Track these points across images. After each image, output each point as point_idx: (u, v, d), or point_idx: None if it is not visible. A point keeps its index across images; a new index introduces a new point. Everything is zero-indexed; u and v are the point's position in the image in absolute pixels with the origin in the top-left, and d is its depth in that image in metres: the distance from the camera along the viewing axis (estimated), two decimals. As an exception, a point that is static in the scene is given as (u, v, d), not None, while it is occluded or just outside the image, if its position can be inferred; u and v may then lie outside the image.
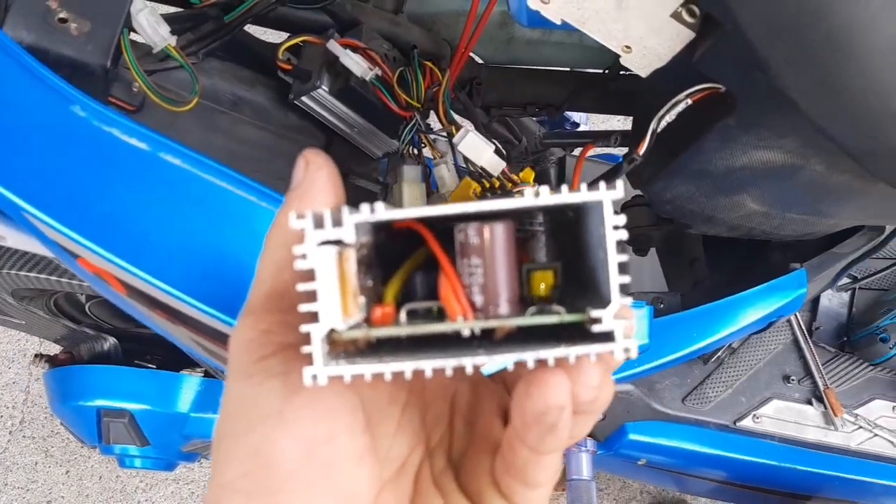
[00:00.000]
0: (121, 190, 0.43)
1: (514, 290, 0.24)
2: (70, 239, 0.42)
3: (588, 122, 1.07)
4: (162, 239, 0.42)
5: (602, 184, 0.21)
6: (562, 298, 0.24)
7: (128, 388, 0.91)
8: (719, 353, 0.88)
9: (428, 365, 0.22)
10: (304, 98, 0.69)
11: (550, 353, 0.21)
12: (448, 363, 0.22)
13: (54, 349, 1.10)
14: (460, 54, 0.73)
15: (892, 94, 0.34)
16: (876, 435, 0.92)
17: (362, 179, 0.77)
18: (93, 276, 0.45)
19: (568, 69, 0.85)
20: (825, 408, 0.91)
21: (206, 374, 0.96)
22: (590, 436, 0.87)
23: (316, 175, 0.25)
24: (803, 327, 0.93)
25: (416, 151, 0.69)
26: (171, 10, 0.64)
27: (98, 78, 0.47)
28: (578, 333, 0.22)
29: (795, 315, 0.93)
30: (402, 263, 0.25)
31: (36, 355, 1.02)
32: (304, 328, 0.21)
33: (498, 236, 0.23)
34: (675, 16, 0.46)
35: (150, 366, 0.98)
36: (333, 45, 0.64)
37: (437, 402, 0.28)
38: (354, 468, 0.24)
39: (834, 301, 0.97)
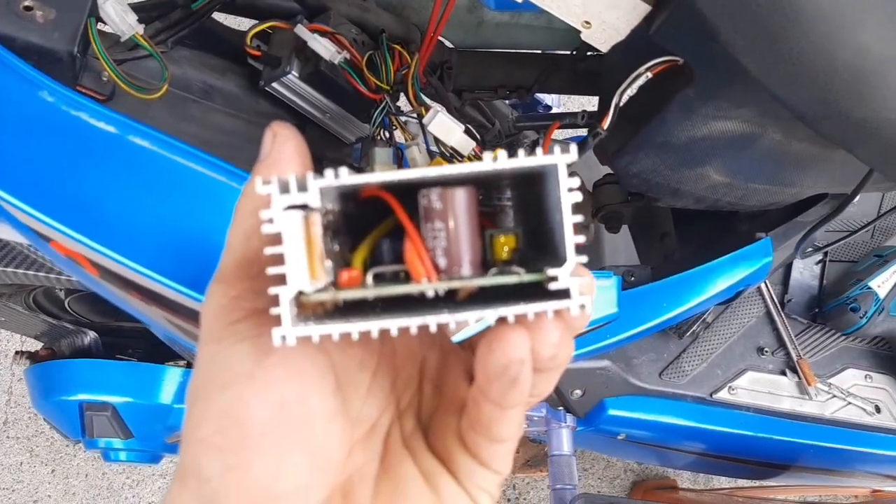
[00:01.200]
0: (91, 173, 0.43)
1: (476, 252, 0.24)
2: (41, 222, 0.42)
3: (560, 104, 1.08)
4: (133, 220, 0.43)
5: (557, 147, 0.22)
6: (524, 262, 0.25)
7: (109, 381, 0.92)
8: (694, 328, 0.89)
9: (393, 324, 0.22)
10: (274, 84, 0.69)
11: (510, 311, 0.22)
12: (413, 321, 0.22)
13: (36, 346, 1.10)
14: (429, 38, 0.74)
15: (835, 52, 0.35)
16: (850, 403, 0.94)
17: (337, 165, 0.78)
18: (66, 260, 0.45)
19: (537, 52, 0.86)
20: (799, 378, 0.93)
21: (188, 366, 0.96)
22: (569, 412, 0.88)
23: (283, 146, 0.25)
24: (776, 300, 0.95)
25: (387, 134, 0.70)
26: (137, -1, 0.64)
27: (66, 65, 0.48)
28: (538, 293, 0.23)
29: (767, 287, 0.95)
30: (372, 231, 0.25)
31: (16, 352, 1.02)
32: (272, 290, 0.22)
33: (459, 200, 0.24)
34: (632, -11, 0.47)
35: (131, 359, 0.98)
36: (301, 30, 0.64)
37: (406, 368, 0.29)
38: (325, 427, 0.25)
39: (805, 274, 0.99)
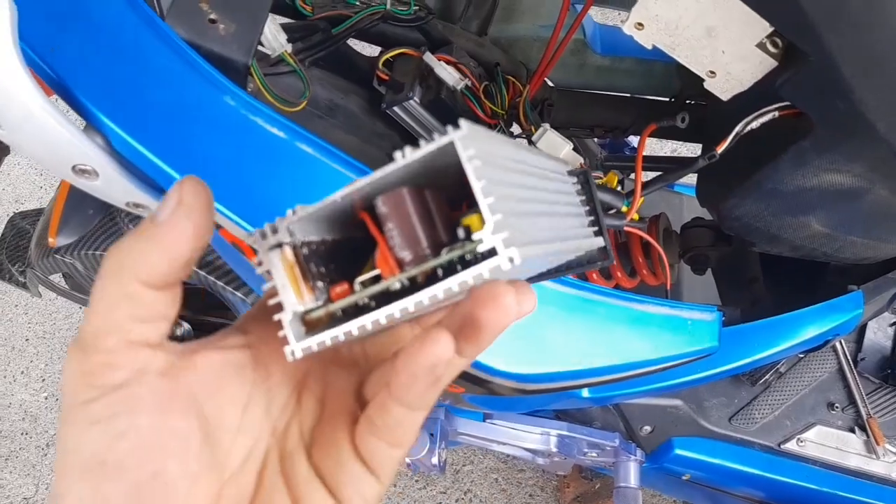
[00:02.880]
0: (260, 170, 0.49)
1: (430, 240, 0.26)
2: (217, 211, 0.47)
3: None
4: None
5: (449, 127, 0.24)
6: None
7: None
8: (767, 376, 0.91)
9: (381, 314, 0.25)
10: (395, 108, 0.74)
11: (454, 280, 0.24)
12: (393, 308, 0.25)
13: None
14: (539, 75, 0.79)
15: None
16: (918, 467, 0.94)
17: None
18: (229, 246, 0.50)
19: (635, 96, 0.90)
20: (867, 436, 0.93)
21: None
22: (638, 447, 0.90)
23: (183, 221, 0.26)
24: (849, 357, 0.96)
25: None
26: (286, 20, 0.70)
27: (240, 74, 0.53)
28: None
29: (841, 344, 0.96)
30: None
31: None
32: (275, 317, 0.26)
33: (397, 201, 0.26)
34: (761, 46, 0.51)
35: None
36: (430, 58, 0.69)
37: (281, 390, 0.30)
38: (187, 494, 0.26)
39: (879, 334, 1.00)
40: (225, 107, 0.49)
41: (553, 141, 0.65)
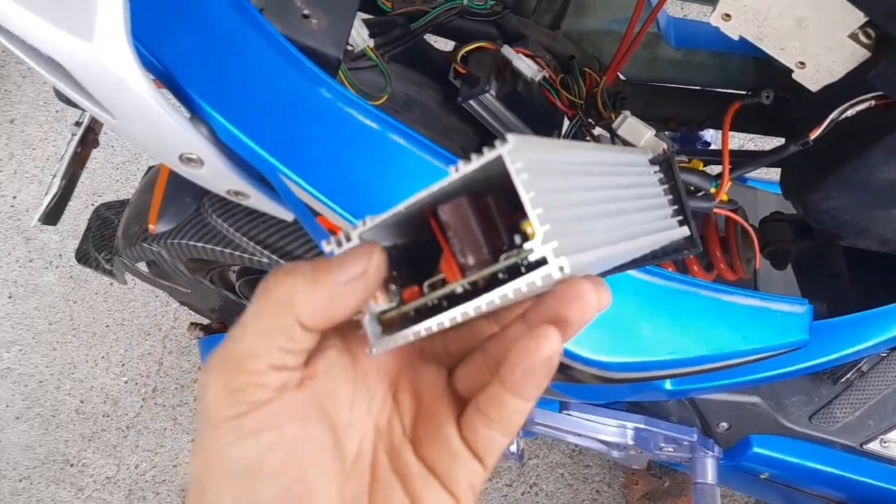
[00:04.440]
0: (356, 160, 0.50)
1: (490, 247, 0.28)
2: (316, 199, 0.49)
3: (716, 141, 1.10)
4: (389, 204, 0.49)
5: (497, 141, 0.25)
6: None
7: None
8: (849, 375, 0.88)
9: (445, 317, 0.27)
10: (471, 101, 0.76)
11: (509, 288, 0.25)
12: (456, 312, 0.26)
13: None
14: (613, 68, 0.79)
15: None
16: None
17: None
18: (326, 233, 0.52)
19: (709, 89, 0.89)
20: (956, 440, 0.90)
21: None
22: (716, 443, 0.89)
23: (361, 291, 0.28)
24: (936, 357, 0.92)
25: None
26: (367, 16, 0.72)
27: (331, 67, 0.55)
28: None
29: (928, 344, 0.92)
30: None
31: (192, 324, 1.13)
32: (354, 317, 0.28)
33: (458, 211, 0.27)
34: (853, 36, 0.50)
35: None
36: (508, 51, 0.70)
37: (378, 387, 0.32)
38: (325, 491, 0.28)
39: (969, 333, 0.96)
40: (321, 98, 0.51)
41: (635, 127, 0.65)
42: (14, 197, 1.84)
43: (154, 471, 1.60)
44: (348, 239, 0.28)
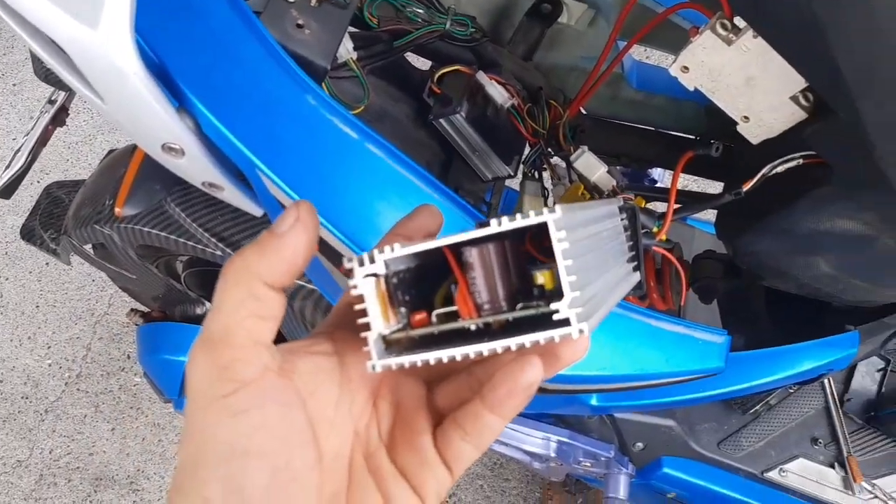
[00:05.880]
0: (334, 165, 0.53)
1: (506, 291, 0.30)
2: (289, 196, 0.52)
3: (664, 179, 1.17)
4: (362, 209, 0.53)
5: (545, 209, 0.27)
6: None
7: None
8: (758, 407, 0.96)
9: (457, 352, 0.29)
10: (441, 119, 0.79)
11: (528, 339, 0.28)
12: (470, 349, 0.29)
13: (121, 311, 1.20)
14: (577, 102, 0.84)
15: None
16: (890, 507, 0.99)
17: (471, 197, 0.88)
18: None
19: (661, 130, 0.96)
20: (846, 473, 0.98)
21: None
22: (630, 461, 0.95)
23: (301, 234, 0.30)
24: (836, 397, 1.01)
25: (536, 174, 0.80)
26: (353, 29, 0.75)
27: (318, 76, 0.58)
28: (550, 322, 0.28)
29: (830, 383, 1.01)
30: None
31: (132, 310, 1.12)
32: (362, 334, 0.30)
33: (483, 256, 0.29)
34: (794, 98, 0.56)
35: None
36: (482, 76, 0.75)
37: (361, 392, 0.33)
38: (307, 477, 0.30)
39: (867, 378, 1.05)
40: (307, 104, 0.53)
41: (590, 162, 0.71)
42: (-54, 163, 1.77)
43: (69, 457, 1.55)
44: (372, 261, 0.29)
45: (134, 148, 0.91)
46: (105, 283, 1.64)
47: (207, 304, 1.08)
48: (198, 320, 1.09)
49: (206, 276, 1.14)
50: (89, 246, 1.05)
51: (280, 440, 0.29)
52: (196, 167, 0.55)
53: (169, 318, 1.11)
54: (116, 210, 0.77)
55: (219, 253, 0.90)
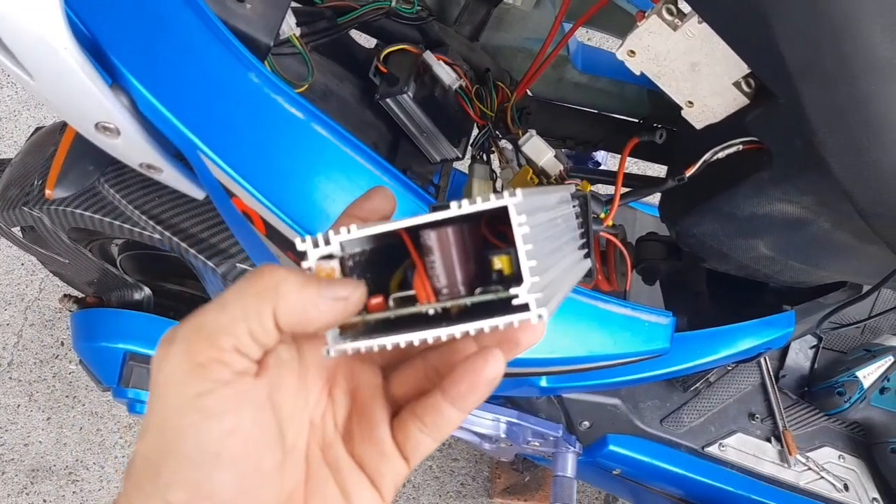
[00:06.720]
0: (277, 146, 0.52)
1: (465, 274, 0.29)
2: (233, 179, 0.50)
3: (607, 161, 1.19)
4: (307, 191, 0.51)
5: (506, 192, 0.27)
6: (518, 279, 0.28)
7: (160, 337, 0.97)
8: (698, 384, 0.98)
9: (415, 337, 0.28)
10: (388, 100, 0.78)
11: (486, 324, 0.28)
12: (428, 334, 0.28)
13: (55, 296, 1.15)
14: (524, 84, 0.84)
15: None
16: (822, 478, 1.03)
17: (418, 179, 0.87)
18: (238, 215, 0.53)
19: (605, 113, 0.96)
20: (782, 447, 1.02)
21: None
22: (577, 440, 0.97)
23: (339, 315, 0.29)
24: (771, 373, 1.05)
25: (485, 157, 0.79)
26: (295, 4, 0.73)
27: (261, 53, 0.56)
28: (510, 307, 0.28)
29: (766, 361, 1.05)
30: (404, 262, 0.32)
31: (65, 295, 1.07)
32: None
33: (442, 239, 0.29)
34: (736, 84, 0.57)
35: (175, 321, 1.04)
36: (429, 57, 0.73)
37: (316, 383, 0.33)
38: (271, 478, 0.30)
39: (800, 355, 1.10)
40: (249, 82, 0.52)
41: (538, 146, 0.71)
42: None
43: (2, 448, 1.49)
44: (327, 242, 0.29)
45: (64, 125, 0.87)
46: (35, 267, 1.57)
47: (146, 289, 1.05)
48: (135, 306, 1.05)
49: (143, 260, 1.10)
50: (17, 229, 1.00)
51: (252, 445, 0.28)
52: (132, 148, 0.53)
53: (105, 304, 1.06)
54: (47, 192, 0.74)
55: (157, 236, 0.87)
